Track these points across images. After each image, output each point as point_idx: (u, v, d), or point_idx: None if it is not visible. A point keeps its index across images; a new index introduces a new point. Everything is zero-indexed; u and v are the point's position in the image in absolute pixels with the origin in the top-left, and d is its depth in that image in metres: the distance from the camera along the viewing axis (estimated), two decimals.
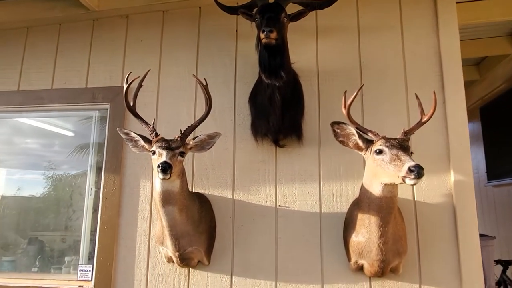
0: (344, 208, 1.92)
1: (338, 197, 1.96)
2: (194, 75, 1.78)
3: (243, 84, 2.14)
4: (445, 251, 1.84)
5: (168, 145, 1.65)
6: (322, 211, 1.95)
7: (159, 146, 1.65)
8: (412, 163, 1.42)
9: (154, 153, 1.66)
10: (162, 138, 1.70)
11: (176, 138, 1.72)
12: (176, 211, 1.70)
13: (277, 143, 2.01)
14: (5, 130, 2.51)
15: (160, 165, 1.53)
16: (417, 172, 1.39)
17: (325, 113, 2.05)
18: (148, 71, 1.87)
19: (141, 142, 1.75)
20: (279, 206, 1.97)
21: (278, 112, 1.87)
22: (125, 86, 1.76)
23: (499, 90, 4.88)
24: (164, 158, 1.59)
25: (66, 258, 2.25)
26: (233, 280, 1.92)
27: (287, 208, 1.97)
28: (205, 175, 2.06)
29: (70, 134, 2.53)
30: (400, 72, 2.08)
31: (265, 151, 2.04)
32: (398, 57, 2.10)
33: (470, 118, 6.51)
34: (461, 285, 1.78)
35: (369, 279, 1.84)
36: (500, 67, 4.52)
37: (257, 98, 1.98)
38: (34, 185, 2.48)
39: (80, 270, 2.06)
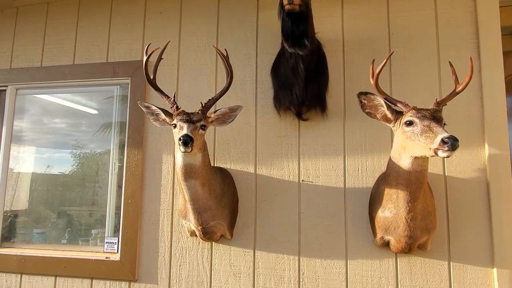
0: (370, 183, 1.86)
1: (363, 172, 1.89)
2: (214, 46, 1.72)
3: (264, 56, 2.07)
4: (477, 228, 1.76)
5: (189, 118, 1.62)
6: (346, 186, 1.89)
7: (180, 119, 1.62)
8: (446, 134, 1.33)
9: (175, 126, 1.64)
10: (183, 111, 1.68)
11: (197, 111, 1.69)
12: (198, 185, 1.69)
13: (300, 116, 1.95)
14: (35, 111, 2.56)
15: (181, 138, 1.50)
16: (452, 143, 1.31)
17: (351, 85, 1.96)
18: (168, 42, 1.83)
19: (162, 115, 1.73)
20: (302, 181, 1.93)
21: (302, 83, 1.80)
22: (145, 58, 1.73)
23: None
24: (185, 131, 1.56)
25: (93, 231, 2.31)
26: (256, 254, 1.91)
27: (310, 183, 1.92)
28: (227, 150, 2.03)
29: (94, 112, 2.55)
30: (432, 39, 1.95)
31: (288, 124, 1.99)
32: (431, 23, 1.96)
33: (508, 90, 6.24)
34: (493, 264, 1.71)
35: (395, 255, 1.80)
36: None
37: (280, 69, 1.91)
38: (62, 162, 2.54)
39: (107, 242, 2.11)
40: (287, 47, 1.71)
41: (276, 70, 1.94)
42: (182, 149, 1.52)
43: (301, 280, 1.86)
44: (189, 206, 1.75)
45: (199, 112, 1.68)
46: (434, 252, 1.77)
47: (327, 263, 1.85)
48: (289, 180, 1.94)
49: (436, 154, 1.36)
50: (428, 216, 1.65)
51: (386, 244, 1.77)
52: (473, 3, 1.94)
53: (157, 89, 1.76)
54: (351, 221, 1.86)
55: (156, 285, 1.98)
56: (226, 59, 1.73)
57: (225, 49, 1.75)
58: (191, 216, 1.77)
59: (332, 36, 2.03)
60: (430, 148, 1.38)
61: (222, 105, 1.80)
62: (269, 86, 2.03)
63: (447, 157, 1.34)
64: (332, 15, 2.05)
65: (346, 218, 1.87)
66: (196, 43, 2.17)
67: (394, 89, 1.93)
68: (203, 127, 1.65)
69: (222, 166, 2.00)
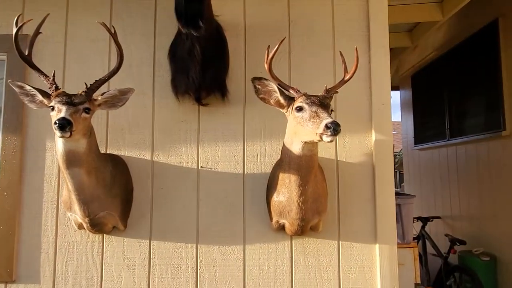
0: (268, 168, 1.89)
1: (262, 157, 1.91)
2: (100, 22, 1.57)
3: (164, 38, 1.96)
4: (363, 209, 1.89)
5: (69, 100, 1.47)
6: (245, 172, 1.90)
7: (59, 101, 1.46)
8: (330, 120, 1.39)
9: (53, 109, 1.47)
10: (63, 92, 1.51)
11: (80, 92, 1.53)
12: (83, 174, 1.55)
13: (199, 101, 1.89)
14: None
15: (57, 122, 1.35)
16: (334, 128, 1.36)
17: (251, 70, 1.95)
18: (47, 15, 1.62)
19: (39, 96, 1.55)
20: (201, 167, 1.89)
21: (199, 66, 1.74)
22: (14, 30, 1.51)
23: (429, 58, 5.13)
24: (63, 114, 1.41)
25: None
26: (152, 244, 1.83)
27: (209, 169, 1.89)
28: (121, 135, 1.90)
29: None
30: (328, 31, 2.02)
31: (187, 110, 1.92)
32: (328, 14, 2.03)
33: (403, 85, 6.87)
34: (376, 240, 1.86)
35: (290, 238, 1.85)
36: (431, 35, 4.71)
37: (176, 52, 1.83)
38: None
39: None
40: (180, 27, 1.63)
41: (173, 52, 1.85)
42: (58, 134, 1.37)
43: (199, 267, 1.83)
44: (73, 197, 1.60)
45: (83, 93, 1.53)
46: (326, 233, 1.86)
47: (225, 249, 1.84)
48: (188, 166, 1.89)
49: (322, 138, 1.41)
50: (319, 199, 1.72)
51: (282, 228, 1.81)
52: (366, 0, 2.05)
53: (32, 66, 1.56)
54: (249, 207, 1.87)
55: (38, 285, 1.80)
56: (114, 37, 1.59)
57: (113, 26, 1.61)
58: (76, 207, 1.63)
59: (234, 20, 1.99)
60: (316, 133, 1.42)
61: (116, 87, 1.66)
62: (168, 68, 1.93)
63: (331, 141, 1.40)
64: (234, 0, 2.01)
65: (245, 203, 1.87)
66: (87, 19, 1.97)
67: (293, 77, 1.97)
68: (87, 110, 1.51)
69: (115, 153, 1.87)
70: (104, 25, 1.60)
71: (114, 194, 1.71)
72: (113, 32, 1.58)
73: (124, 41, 1.92)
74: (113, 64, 1.91)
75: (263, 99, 1.62)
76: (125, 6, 1.99)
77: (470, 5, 3.41)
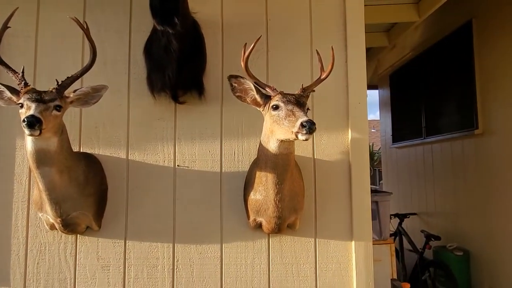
0: (246, 166, 1.88)
1: (240, 156, 1.91)
2: (72, 17, 1.52)
3: (139, 34, 1.92)
4: (340, 207, 1.91)
5: (39, 97, 1.43)
6: (223, 170, 1.89)
7: (28, 98, 1.42)
8: (305, 118, 1.39)
9: (22, 106, 1.43)
10: (33, 89, 1.47)
11: (51, 89, 1.49)
12: (55, 173, 1.51)
13: (176, 99, 1.87)
14: None
15: (26, 119, 1.31)
16: (309, 127, 1.37)
17: (229, 68, 1.93)
18: (16, 9, 1.57)
19: (7, 93, 1.49)
20: (178, 166, 1.87)
21: (175, 64, 1.72)
22: None
23: (407, 58, 5.23)
24: (32, 111, 1.37)
25: None
26: (127, 244, 1.80)
27: (186, 168, 1.87)
28: (95, 134, 1.85)
29: None
30: (306, 29, 2.03)
31: (164, 108, 1.89)
32: (305, 14, 2.04)
33: (382, 84, 6.99)
34: (352, 237, 1.88)
35: (268, 236, 1.86)
36: (408, 35, 4.81)
37: (152, 49, 1.80)
38: None
39: None
40: (156, 24, 1.60)
41: (149, 49, 1.82)
42: (27, 132, 1.33)
43: (175, 267, 1.81)
44: (44, 197, 1.55)
45: (53, 90, 1.48)
46: (303, 231, 1.87)
47: (202, 248, 1.83)
48: (164, 165, 1.87)
49: (297, 137, 1.41)
50: (296, 197, 1.74)
51: (259, 226, 1.81)
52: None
53: (0, 61, 1.50)
54: (226, 205, 1.87)
55: None
56: (86, 33, 1.55)
57: (85, 21, 1.57)
58: (48, 207, 1.58)
59: (212, 17, 1.98)
60: (292, 132, 1.43)
61: (90, 85, 1.62)
62: (143, 66, 1.89)
63: (306, 139, 1.40)
64: None
65: (222, 202, 1.87)
66: (59, 14, 1.91)
67: (271, 74, 1.97)
68: (58, 108, 1.47)
69: (89, 151, 1.83)
70: (77, 20, 1.56)
71: (88, 194, 1.67)
72: (85, 28, 1.55)
73: (98, 37, 1.87)
74: (87, 60, 1.87)
75: (239, 97, 1.61)
76: (99, 1, 1.95)
77: (445, 6, 3.50)
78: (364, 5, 2.06)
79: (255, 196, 1.70)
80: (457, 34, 3.98)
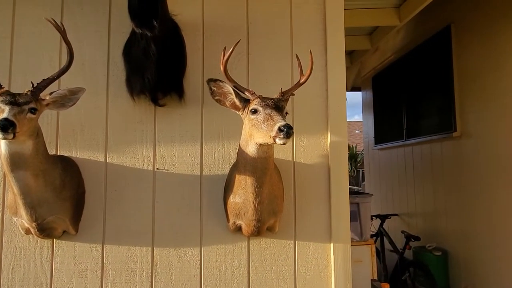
0: (226, 170, 1.88)
1: (220, 159, 1.91)
2: (48, 18, 1.50)
3: (118, 35, 1.90)
4: (319, 209, 1.93)
5: (13, 99, 1.40)
6: (203, 174, 1.88)
7: (2, 101, 1.39)
8: (283, 123, 1.40)
9: None
10: (7, 91, 1.44)
11: (26, 92, 1.46)
12: (30, 177, 1.48)
13: (156, 102, 1.85)
14: None
15: None
16: (286, 131, 1.38)
17: (210, 71, 1.94)
18: None
19: None
20: (157, 169, 1.86)
21: (154, 67, 1.71)
22: None
23: (388, 61, 5.32)
24: (5, 114, 1.34)
25: None
26: (105, 248, 1.78)
27: (166, 171, 1.86)
28: (73, 136, 1.83)
29: None
30: (286, 33, 2.04)
31: (143, 110, 1.88)
32: (286, 17, 2.05)
33: (364, 86, 7.08)
34: (330, 239, 1.90)
35: (247, 239, 1.86)
36: (390, 39, 4.89)
37: (131, 51, 1.78)
38: None
39: None
40: (134, 27, 1.59)
41: (128, 51, 1.81)
42: (0, 135, 1.30)
43: (154, 271, 1.80)
44: (19, 201, 1.52)
45: (28, 93, 1.46)
46: (282, 233, 1.89)
47: (182, 251, 1.82)
48: (143, 168, 1.85)
49: (275, 141, 1.42)
50: (275, 200, 1.75)
51: (239, 229, 1.82)
52: (323, 1, 2.08)
53: None
54: (206, 208, 1.86)
55: None
56: (62, 34, 1.53)
57: (61, 23, 1.55)
58: (22, 212, 1.55)
59: (192, 20, 1.97)
60: (270, 136, 1.43)
61: (67, 87, 1.60)
62: (123, 68, 1.88)
63: (283, 144, 1.41)
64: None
65: (202, 205, 1.86)
66: (35, 13, 1.88)
67: (251, 78, 1.98)
68: (33, 111, 1.44)
69: (66, 154, 1.80)
70: (53, 21, 1.54)
71: (64, 197, 1.65)
72: (62, 29, 1.52)
73: (76, 37, 1.86)
74: (64, 61, 1.84)
75: (218, 101, 1.61)
76: (78, 2, 1.92)
77: (425, 12, 3.57)
78: (346, 9, 2.09)
79: (234, 199, 1.71)
80: (437, 39, 4.06)
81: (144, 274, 1.79)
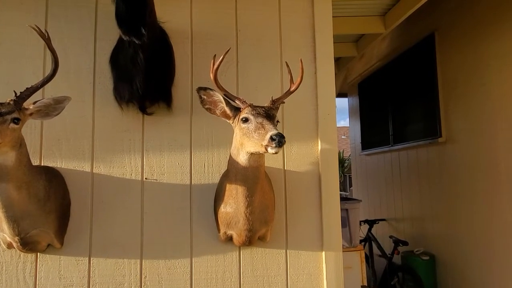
0: (216, 179, 1.86)
1: (210, 168, 1.88)
2: (32, 25, 1.45)
3: (105, 43, 1.87)
4: (310, 217, 1.92)
5: None
6: (193, 183, 1.85)
7: None
8: (274, 132, 1.39)
9: None
10: None
11: (8, 101, 1.41)
12: (12, 189, 1.43)
13: (144, 110, 1.82)
14: None
15: None
16: (278, 140, 1.36)
17: (198, 79, 1.92)
18: None
19: None
20: (146, 179, 1.82)
21: (142, 75, 1.67)
22: None
23: (374, 67, 5.38)
24: None
25: None
26: (91, 262, 1.73)
27: (154, 180, 1.82)
28: (57, 146, 1.77)
29: None
30: (275, 40, 2.04)
31: (131, 119, 1.84)
32: (275, 25, 2.05)
33: (351, 92, 7.14)
34: (322, 248, 1.89)
35: (239, 249, 1.84)
36: (376, 46, 4.96)
37: (119, 59, 1.75)
38: None
39: None
40: (121, 34, 1.55)
41: (115, 59, 1.77)
42: None
43: (143, 284, 1.75)
44: (1, 214, 1.46)
45: (11, 102, 1.41)
46: (274, 242, 1.86)
47: (171, 263, 1.78)
48: (131, 178, 1.81)
49: (267, 150, 1.41)
50: (266, 209, 1.72)
51: (230, 239, 1.79)
52: (311, 9, 2.09)
53: None
54: (196, 218, 1.83)
55: None
56: (47, 42, 1.49)
57: (46, 30, 1.50)
58: (4, 225, 1.49)
59: (180, 27, 1.95)
60: (262, 145, 1.42)
61: (52, 95, 1.55)
62: (110, 76, 1.84)
63: (276, 153, 1.40)
64: (181, 5, 1.97)
65: (192, 215, 1.83)
66: (18, 20, 1.83)
67: (241, 85, 1.96)
68: (16, 121, 1.39)
69: (50, 164, 1.75)
70: (38, 28, 1.49)
71: (49, 210, 1.59)
72: (46, 36, 1.48)
73: (61, 44, 1.82)
74: (49, 68, 1.80)
75: (209, 110, 1.59)
76: (63, 8, 1.88)
77: (409, 19, 3.63)
78: (333, 17, 2.10)
79: (225, 208, 1.68)
80: (421, 46, 4.13)
81: (132, 287, 1.74)
